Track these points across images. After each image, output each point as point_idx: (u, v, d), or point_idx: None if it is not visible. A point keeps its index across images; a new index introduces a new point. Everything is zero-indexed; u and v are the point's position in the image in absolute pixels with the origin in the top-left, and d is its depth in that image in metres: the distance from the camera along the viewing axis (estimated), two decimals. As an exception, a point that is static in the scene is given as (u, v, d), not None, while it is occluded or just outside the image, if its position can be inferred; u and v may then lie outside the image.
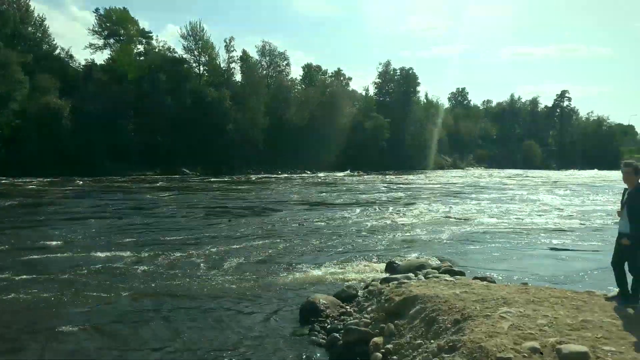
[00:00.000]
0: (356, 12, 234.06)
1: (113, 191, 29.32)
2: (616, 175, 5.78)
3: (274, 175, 52.54)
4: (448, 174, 64.68)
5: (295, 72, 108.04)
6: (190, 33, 63.49)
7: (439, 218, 18.58)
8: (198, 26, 63.86)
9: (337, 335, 6.58)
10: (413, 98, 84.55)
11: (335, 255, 11.80)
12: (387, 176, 53.82)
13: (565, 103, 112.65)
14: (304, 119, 67.62)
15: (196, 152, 53.43)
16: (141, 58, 60.97)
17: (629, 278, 5.91)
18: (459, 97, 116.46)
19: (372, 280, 8.90)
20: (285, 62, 74.29)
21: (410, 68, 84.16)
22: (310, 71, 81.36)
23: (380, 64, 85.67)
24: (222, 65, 68.04)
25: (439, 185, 39.43)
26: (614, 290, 6.23)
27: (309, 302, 7.70)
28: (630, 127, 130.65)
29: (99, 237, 13.73)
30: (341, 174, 57.83)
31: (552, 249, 12.83)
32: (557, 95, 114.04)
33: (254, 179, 46.56)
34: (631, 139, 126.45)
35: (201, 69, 65.68)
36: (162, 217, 18.52)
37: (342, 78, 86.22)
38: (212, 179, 43.28)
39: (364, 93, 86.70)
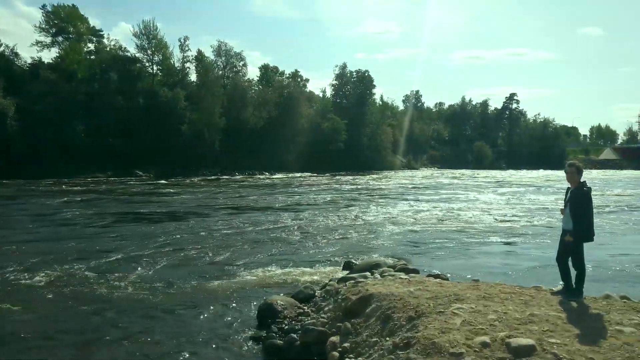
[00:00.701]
0: (313, 14, 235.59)
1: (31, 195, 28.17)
2: (560, 174, 6.11)
3: (227, 177, 51.94)
4: (403, 174, 65.87)
5: (252, 73, 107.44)
6: (143, 32, 61.95)
7: (394, 218, 18.89)
8: (151, 25, 62.42)
9: (294, 335, 6.57)
10: (369, 100, 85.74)
11: (293, 257, 11.80)
12: (345, 177, 54.29)
13: (514, 105, 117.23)
14: (261, 120, 67.23)
15: (150, 154, 52.14)
16: (92, 57, 58.95)
17: (573, 273, 6.19)
18: (413, 99, 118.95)
19: (330, 280, 8.95)
20: (242, 62, 73.65)
21: (366, 70, 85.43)
22: (268, 72, 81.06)
23: (336, 66, 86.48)
24: (176, 65, 66.79)
25: (394, 186, 40.10)
26: (559, 284, 6.52)
27: (266, 303, 7.67)
28: (574, 129, 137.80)
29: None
30: (299, 175, 57.87)
31: (501, 246, 13.29)
32: (506, 97, 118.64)
33: (197, 180, 45.81)
34: (575, 140, 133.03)
35: (155, 68, 64.21)
36: (92, 225, 17.95)
37: (299, 79, 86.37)
38: (163, 182, 42.30)
39: (321, 95, 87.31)
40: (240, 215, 19.46)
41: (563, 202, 6.36)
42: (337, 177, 53.26)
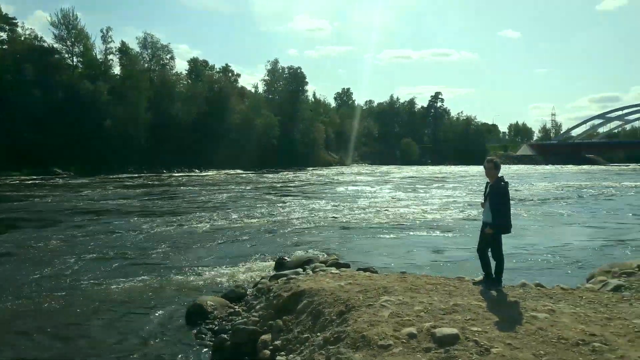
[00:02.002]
0: (244, 7, 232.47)
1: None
2: (481, 169, 6.43)
3: (155, 175, 50.17)
4: (334, 170, 66.69)
5: (181, 67, 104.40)
6: (61, 21, 58.43)
7: (326, 214, 19.08)
8: (71, 14, 58.96)
9: (225, 336, 6.45)
10: (302, 97, 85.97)
11: (225, 256, 11.60)
12: (278, 174, 54.14)
13: (439, 104, 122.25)
14: (190, 116, 65.49)
15: (70, 150, 49.24)
16: (4, 47, 54.67)
17: (493, 263, 6.53)
18: (344, 96, 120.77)
19: (262, 278, 8.88)
20: (169, 55, 71.40)
21: (299, 67, 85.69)
22: (197, 66, 79.00)
23: (268, 61, 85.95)
24: (98, 57, 63.48)
25: (325, 182, 40.54)
26: (480, 274, 6.85)
27: (196, 304, 7.49)
28: (494, 126, 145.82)
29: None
30: (231, 172, 56.97)
31: (427, 239, 13.78)
32: (431, 96, 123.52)
33: (114, 177, 44.00)
34: (495, 137, 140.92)
35: (75, 60, 60.76)
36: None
37: (230, 74, 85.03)
38: (84, 180, 40.13)
39: (253, 90, 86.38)
40: (165, 216, 18.86)
41: (483, 196, 6.67)
42: (270, 174, 53.02)
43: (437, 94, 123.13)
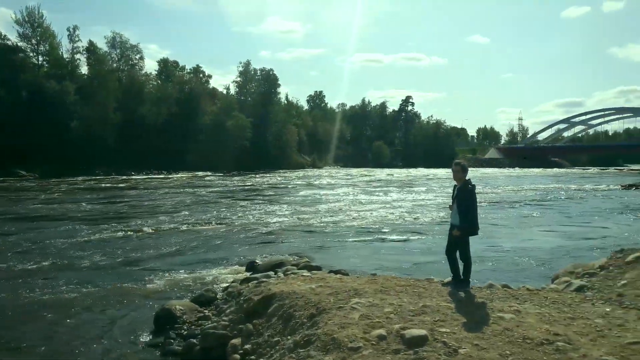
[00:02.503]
0: (215, 7, 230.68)
1: None
2: (449, 172, 6.52)
3: (124, 177, 49.20)
4: (308, 173, 66.72)
5: (150, 67, 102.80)
6: (26, 19, 56.77)
7: (298, 217, 19.07)
8: (36, 11, 57.31)
9: (194, 341, 6.37)
10: (274, 99, 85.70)
11: (195, 260, 11.45)
12: (249, 176, 53.82)
13: (409, 107, 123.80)
14: (160, 117, 64.48)
15: (35, 152, 47.78)
16: (-37, 44, 52.90)
17: (461, 265, 6.63)
18: (317, 99, 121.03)
19: (232, 282, 8.81)
20: (139, 55, 70.22)
21: (271, 69, 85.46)
22: (167, 66, 77.92)
23: (240, 63, 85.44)
24: (65, 56, 61.89)
25: (298, 185, 40.50)
26: (449, 276, 6.95)
27: (164, 309, 7.36)
28: (463, 130, 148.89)
29: None
30: (201, 174, 56.31)
31: (397, 241, 13.91)
32: (402, 100, 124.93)
33: (80, 180, 43.05)
34: (464, 141, 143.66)
35: (40, 59, 59.05)
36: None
37: (201, 75, 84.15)
38: (47, 182, 39.02)
39: (225, 92, 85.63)
40: (131, 220, 18.50)
41: (451, 198, 6.78)
42: (242, 176, 52.65)
43: (408, 97, 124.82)
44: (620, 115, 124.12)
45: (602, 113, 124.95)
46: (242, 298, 7.05)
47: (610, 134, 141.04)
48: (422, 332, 4.62)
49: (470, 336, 4.65)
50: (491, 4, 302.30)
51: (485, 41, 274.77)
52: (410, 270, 9.91)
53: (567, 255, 11.69)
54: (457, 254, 6.59)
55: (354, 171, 73.56)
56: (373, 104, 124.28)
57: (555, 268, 9.70)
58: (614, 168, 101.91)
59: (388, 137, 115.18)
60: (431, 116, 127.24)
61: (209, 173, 57.79)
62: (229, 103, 76.65)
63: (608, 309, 5.85)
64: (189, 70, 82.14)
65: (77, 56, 63.44)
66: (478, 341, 4.55)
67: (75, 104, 54.33)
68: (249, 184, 41.05)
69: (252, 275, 8.77)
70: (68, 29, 62.98)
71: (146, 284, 9.40)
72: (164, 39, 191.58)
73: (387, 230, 15.71)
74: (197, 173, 57.06)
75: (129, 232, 15.08)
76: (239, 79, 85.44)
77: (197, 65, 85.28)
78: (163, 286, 9.28)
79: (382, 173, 67.01)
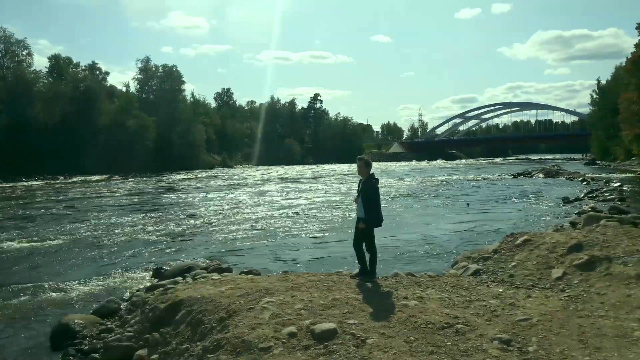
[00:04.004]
0: (111, 1, 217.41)
1: None
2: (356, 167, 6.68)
3: (10, 185, 45.02)
4: (216, 172, 65.30)
5: (41, 64, 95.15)
6: None
7: (208, 218, 18.61)
8: None
9: (96, 355, 6.00)
10: (179, 97, 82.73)
11: (97, 269, 10.72)
12: (154, 178, 51.54)
13: (318, 105, 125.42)
14: (53, 117, 59.69)
15: None
16: None
17: (368, 256, 6.83)
18: (225, 97, 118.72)
19: (137, 290, 8.40)
20: (26, 51, 64.33)
21: (174, 65, 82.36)
22: (59, 63, 72.04)
23: (138, 59, 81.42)
24: None
25: (205, 186, 39.54)
26: (357, 268, 7.14)
27: (61, 324, 6.85)
28: (369, 126, 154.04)
29: None
30: (101, 177, 52.93)
31: (308, 237, 14.01)
32: (310, 97, 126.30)
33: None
34: (370, 137, 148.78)
35: None
36: None
37: (98, 72, 79.09)
38: None
39: (124, 90, 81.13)
40: (19, 231, 16.99)
41: (356, 192, 6.97)
42: (145, 179, 50.28)
43: (316, 95, 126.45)
44: (509, 110, 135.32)
45: (493, 108, 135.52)
46: (147, 307, 6.74)
47: (500, 126, 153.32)
48: (332, 325, 4.70)
49: (377, 325, 4.81)
50: (391, 4, 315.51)
51: (387, 40, 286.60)
52: (321, 265, 10.05)
53: (466, 242, 12.48)
54: (364, 245, 6.80)
55: (265, 169, 73.27)
56: (282, 102, 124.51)
57: (455, 254, 10.33)
58: (502, 158, 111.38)
59: (298, 135, 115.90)
60: (339, 113, 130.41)
61: (109, 176, 54.43)
62: (129, 101, 72.63)
63: (501, 290, 6.34)
64: (84, 67, 76.79)
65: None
66: (385, 330, 4.71)
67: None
68: (152, 186, 39.35)
69: (159, 282, 8.43)
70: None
71: (43, 299, 8.65)
72: (55, 34, 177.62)
73: (298, 227, 15.80)
74: (95, 177, 53.53)
75: (19, 245, 13.79)
76: (139, 76, 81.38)
77: (93, 61, 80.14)
78: (62, 300, 8.61)
79: (293, 170, 67.39)
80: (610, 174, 37.77)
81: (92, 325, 7.01)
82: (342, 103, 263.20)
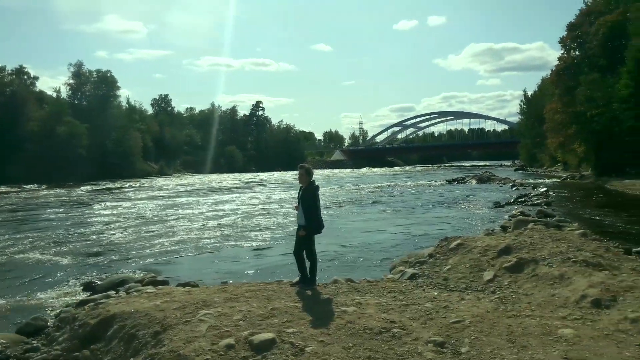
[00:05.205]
0: (41, 3, 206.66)
1: None
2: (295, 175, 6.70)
3: None
4: (153, 181, 63.28)
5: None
6: None
7: (145, 229, 17.97)
8: None
9: (19, 378, 5.60)
10: (114, 103, 79.66)
11: (21, 287, 10.03)
12: (85, 187, 49.14)
13: (260, 112, 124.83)
14: (-25, 124, 55.73)
15: None
16: None
17: (308, 264, 6.84)
18: (162, 103, 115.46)
19: (66, 306, 7.95)
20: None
21: (108, 70, 79.35)
22: (-18, 67, 67.48)
23: (70, 64, 77.77)
24: None
25: (143, 194, 38.24)
26: (298, 276, 7.13)
27: (-21, 346, 6.34)
28: (311, 134, 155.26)
29: None
30: (29, 187, 49.85)
31: (248, 246, 13.82)
32: (252, 105, 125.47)
33: None
34: (312, 144, 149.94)
35: None
36: None
37: (25, 77, 74.66)
38: None
39: (55, 95, 77.07)
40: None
41: (297, 200, 6.98)
42: (77, 188, 47.83)
43: (258, 102, 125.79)
44: (444, 119, 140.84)
45: (429, 117, 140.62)
46: (77, 323, 6.41)
47: (436, 135, 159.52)
48: (270, 335, 4.66)
49: (316, 333, 4.82)
50: (332, 15, 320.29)
51: (329, 49, 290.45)
52: (261, 275, 9.93)
53: (404, 246, 12.77)
54: (305, 253, 6.80)
55: (205, 177, 71.82)
56: (223, 109, 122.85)
57: (394, 259, 10.54)
58: (438, 165, 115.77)
59: (240, 142, 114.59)
60: (282, 121, 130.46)
61: (38, 186, 51.35)
62: (60, 107, 68.97)
63: (436, 293, 6.54)
64: (10, 71, 72.25)
65: None
66: (323, 337, 4.72)
67: None
68: (84, 196, 37.56)
69: (90, 297, 8.03)
70: None
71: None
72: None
73: (237, 237, 15.55)
74: (22, 186, 50.34)
75: None
76: (71, 81, 77.73)
77: (21, 65, 75.44)
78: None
79: (235, 178, 66.50)
80: (538, 180, 40.08)
81: (15, 345, 6.57)
82: (285, 111, 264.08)
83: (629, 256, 8.49)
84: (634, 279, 6.28)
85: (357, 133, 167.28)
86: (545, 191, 26.32)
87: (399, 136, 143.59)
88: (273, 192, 36.63)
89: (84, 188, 47.21)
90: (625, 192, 25.24)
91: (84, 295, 8.70)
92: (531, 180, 38.93)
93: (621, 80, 29.32)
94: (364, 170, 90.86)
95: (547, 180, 38.77)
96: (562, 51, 43.21)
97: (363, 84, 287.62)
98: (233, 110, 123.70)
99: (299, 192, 6.95)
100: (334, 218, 19.16)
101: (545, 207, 19.41)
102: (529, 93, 71.39)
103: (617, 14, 33.77)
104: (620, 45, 32.43)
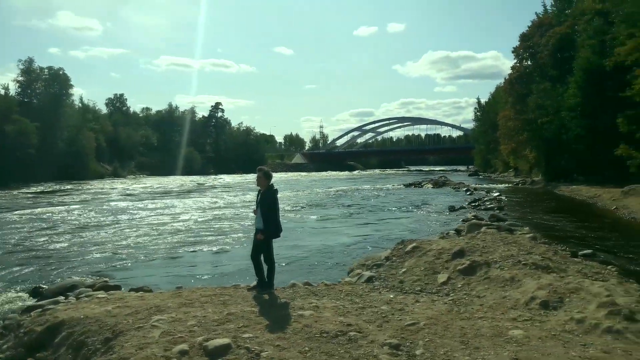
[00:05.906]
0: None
1: None
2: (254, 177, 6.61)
3: None
4: (106, 184, 61.38)
5: None
6: None
7: (96, 233, 17.39)
8: None
9: (-44, 391, 5.29)
10: (66, 101, 76.75)
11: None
12: (32, 188, 47.12)
13: (219, 114, 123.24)
14: None
15: None
16: None
17: (266, 268, 6.79)
18: (117, 103, 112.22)
19: (10, 313, 7.59)
20: None
21: (61, 68, 76.27)
22: None
23: (20, 60, 74.52)
24: None
25: (93, 198, 37.03)
26: (255, 280, 7.06)
27: None
28: (272, 137, 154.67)
29: None
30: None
31: (204, 250, 13.59)
32: (212, 106, 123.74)
33: None
34: (272, 147, 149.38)
35: None
36: None
37: (-32, 72, 70.94)
38: None
39: (2, 92, 73.50)
40: None
41: (255, 203, 6.92)
42: (24, 189, 45.81)
43: (218, 104, 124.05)
44: (402, 124, 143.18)
45: (388, 122, 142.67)
46: (22, 330, 6.14)
47: (394, 140, 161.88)
48: (225, 340, 4.60)
49: (272, 337, 4.79)
50: (293, 19, 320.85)
51: (290, 53, 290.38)
52: (218, 279, 9.77)
53: (362, 249, 12.88)
54: (262, 257, 6.75)
55: (161, 180, 70.21)
56: (181, 109, 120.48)
57: (352, 262, 10.60)
58: (396, 169, 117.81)
59: (199, 144, 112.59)
60: (241, 123, 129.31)
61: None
62: (8, 105, 65.82)
63: (392, 296, 6.63)
64: (-49, 66, 68.56)
65: None
66: (280, 342, 4.70)
67: None
68: (31, 198, 36.00)
69: (37, 303, 7.69)
70: None
71: None
72: None
73: (192, 241, 15.25)
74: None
75: None
76: (21, 78, 74.36)
77: (-37, 60, 71.71)
78: None
79: (190, 180, 65.35)
80: (491, 185, 41.34)
81: (-47, 356, 6.21)
82: (245, 113, 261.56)
83: (576, 259, 8.89)
84: (580, 281, 6.57)
85: (317, 137, 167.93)
86: (498, 196, 27.18)
87: (359, 140, 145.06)
88: (231, 195, 36.21)
89: (32, 190, 45.24)
90: (573, 197, 26.39)
91: (30, 302, 8.32)
92: (485, 185, 40.11)
93: (569, 90, 30.68)
94: (324, 173, 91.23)
95: (499, 186, 40.03)
96: (515, 60, 44.99)
97: (324, 87, 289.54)
98: (191, 111, 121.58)
99: (258, 196, 6.90)
100: (293, 221, 19.12)
101: (498, 211, 20.03)
102: (483, 100, 73.80)
103: (566, 27, 35.39)
104: (569, 56, 33.96)
